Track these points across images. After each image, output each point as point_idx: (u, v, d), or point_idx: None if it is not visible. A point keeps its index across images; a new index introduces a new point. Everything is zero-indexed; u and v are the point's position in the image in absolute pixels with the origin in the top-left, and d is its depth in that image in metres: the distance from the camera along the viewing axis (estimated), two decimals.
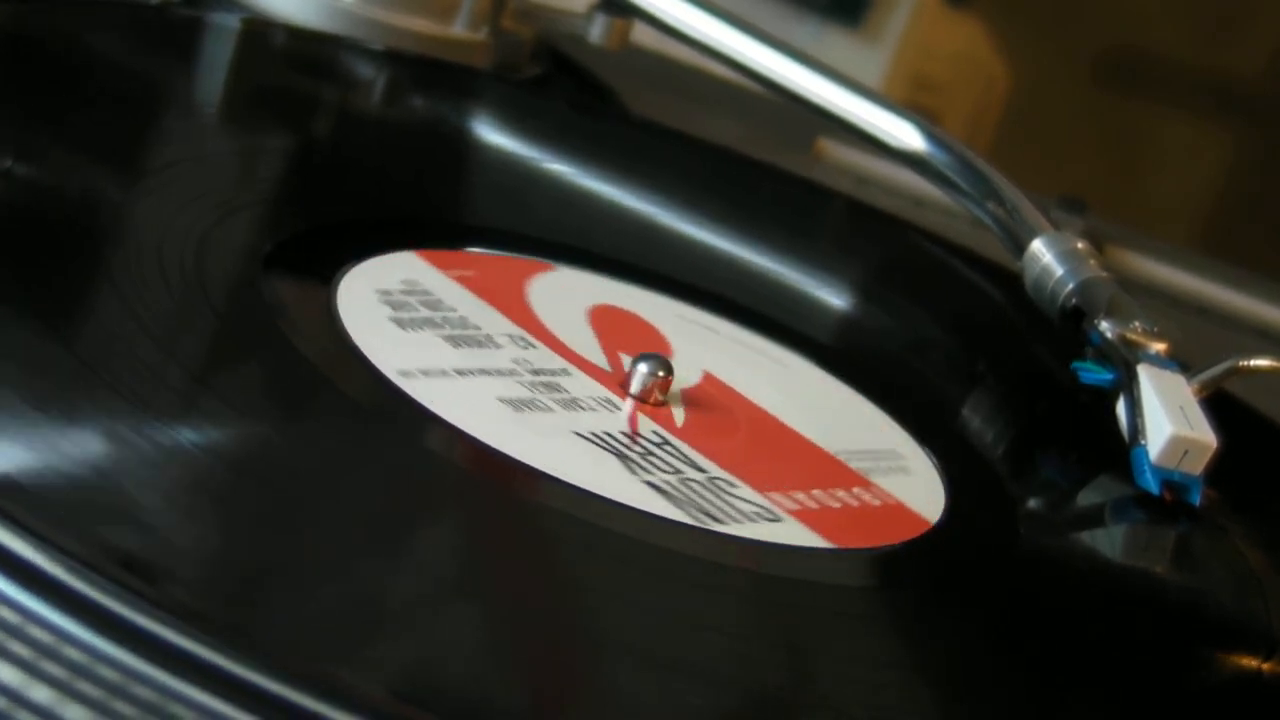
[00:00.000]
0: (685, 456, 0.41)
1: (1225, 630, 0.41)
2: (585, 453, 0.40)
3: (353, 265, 0.44)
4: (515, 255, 0.48)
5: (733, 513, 0.39)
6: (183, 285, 0.39)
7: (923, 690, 0.36)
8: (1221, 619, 0.41)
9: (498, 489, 0.38)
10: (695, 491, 0.39)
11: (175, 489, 0.33)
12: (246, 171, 0.48)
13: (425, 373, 0.40)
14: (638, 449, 0.41)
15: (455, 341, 0.43)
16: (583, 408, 0.42)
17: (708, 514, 0.39)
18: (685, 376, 0.44)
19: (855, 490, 0.42)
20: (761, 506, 0.40)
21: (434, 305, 0.44)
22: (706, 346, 0.48)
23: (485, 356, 0.43)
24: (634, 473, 0.39)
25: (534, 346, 0.44)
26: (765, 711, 0.33)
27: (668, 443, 0.41)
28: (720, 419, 0.44)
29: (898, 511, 0.42)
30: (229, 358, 0.39)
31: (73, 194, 0.41)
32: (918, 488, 0.43)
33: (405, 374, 0.40)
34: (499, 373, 0.42)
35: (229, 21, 0.54)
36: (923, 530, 0.42)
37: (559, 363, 0.44)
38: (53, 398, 0.33)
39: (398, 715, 0.29)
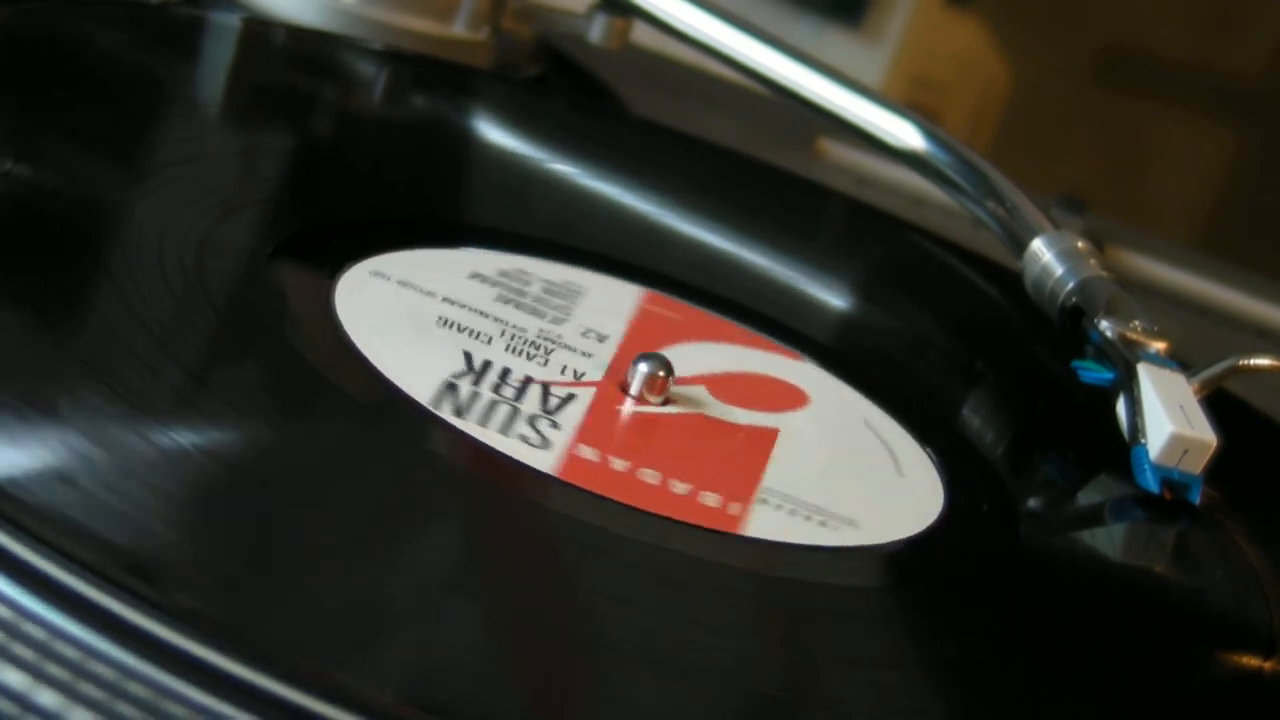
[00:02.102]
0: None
1: (1225, 629, 0.41)
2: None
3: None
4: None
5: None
6: (183, 285, 0.39)
7: (923, 689, 0.36)
8: (1222, 618, 0.41)
9: (499, 489, 0.38)
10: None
11: (177, 490, 0.33)
12: (247, 171, 0.48)
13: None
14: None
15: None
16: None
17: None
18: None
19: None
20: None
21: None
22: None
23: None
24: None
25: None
26: (765, 712, 0.33)
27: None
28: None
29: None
30: (230, 357, 0.39)
31: (73, 193, 0.41)
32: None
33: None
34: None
35: (229, 21, 0.54)
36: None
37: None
38: (53, 398, 0.33)
39: (400, 716, 0.29)
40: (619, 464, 0.40)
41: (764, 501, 0.40)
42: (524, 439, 0.39)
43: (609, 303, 0.48)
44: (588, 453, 0.40)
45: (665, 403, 0.43)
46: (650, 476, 0.40)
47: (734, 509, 0.40)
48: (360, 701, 0.29)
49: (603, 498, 0.38)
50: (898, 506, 0.42)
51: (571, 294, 0.47)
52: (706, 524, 0.39)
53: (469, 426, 0.39)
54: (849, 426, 0.46)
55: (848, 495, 0.42)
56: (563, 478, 0.38)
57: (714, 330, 0.49)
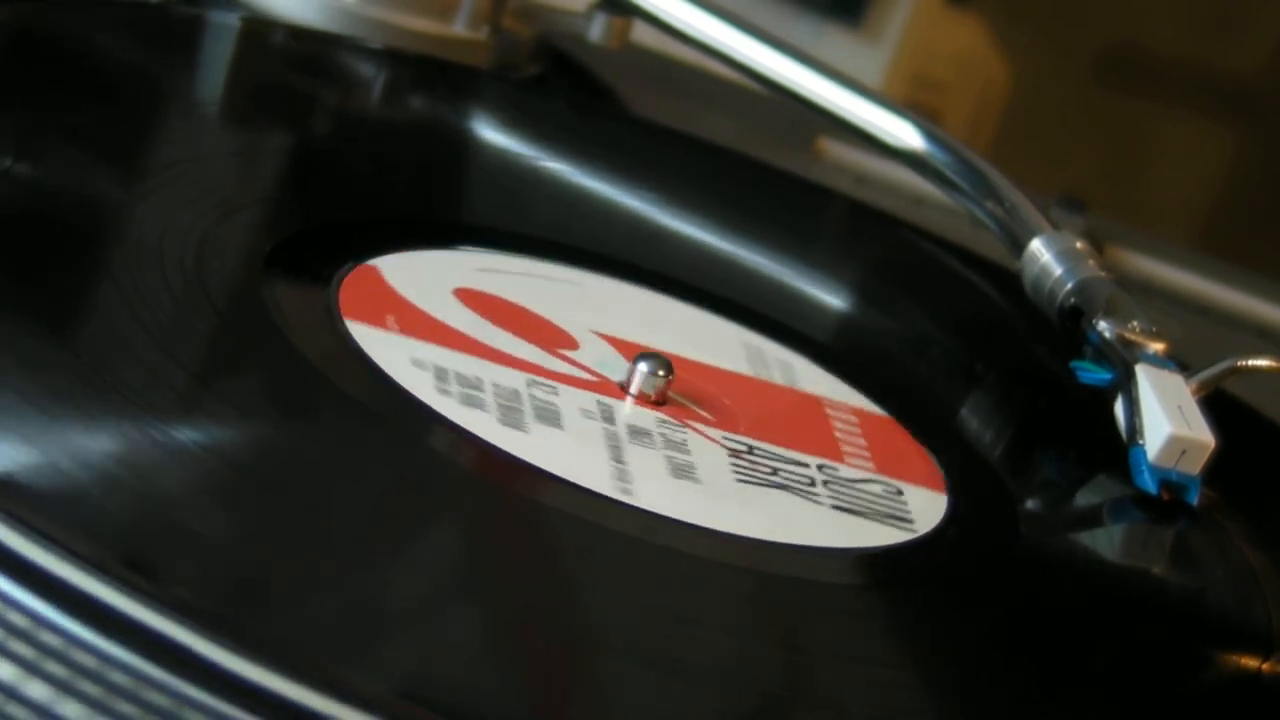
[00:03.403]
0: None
1: (1225, 630, 0.41)
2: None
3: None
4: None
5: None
6: (183, 285, 0.40)
7: (922, 690, 0.36)
8: (1221, 618, 0.41)
9: (500, 489, 0.38)
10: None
11: (178, 489, 0.33)
12: (247, 171, 0.48)
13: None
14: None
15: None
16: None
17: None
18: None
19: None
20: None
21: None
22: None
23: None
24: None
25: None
26: (765, 711, 0.33)
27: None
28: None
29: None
30: (230, 357, 0.39)
31: (73, 193, 0.41)
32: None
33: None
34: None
35: (229, 20, 0.54)
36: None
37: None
38: (54, 398, 0.33)
39: (401, 714, 0.29)
40: None
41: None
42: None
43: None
44: None
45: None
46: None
47: None
48: (361, 698, 0.29)
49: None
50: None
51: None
52: None
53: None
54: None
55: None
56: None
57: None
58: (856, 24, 0.96)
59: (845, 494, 0.42)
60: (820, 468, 0.43)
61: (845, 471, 0.43)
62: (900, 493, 0.43)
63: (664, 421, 0.42)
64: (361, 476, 0.36)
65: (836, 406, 0.46)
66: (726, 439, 0.43)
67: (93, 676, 0.29)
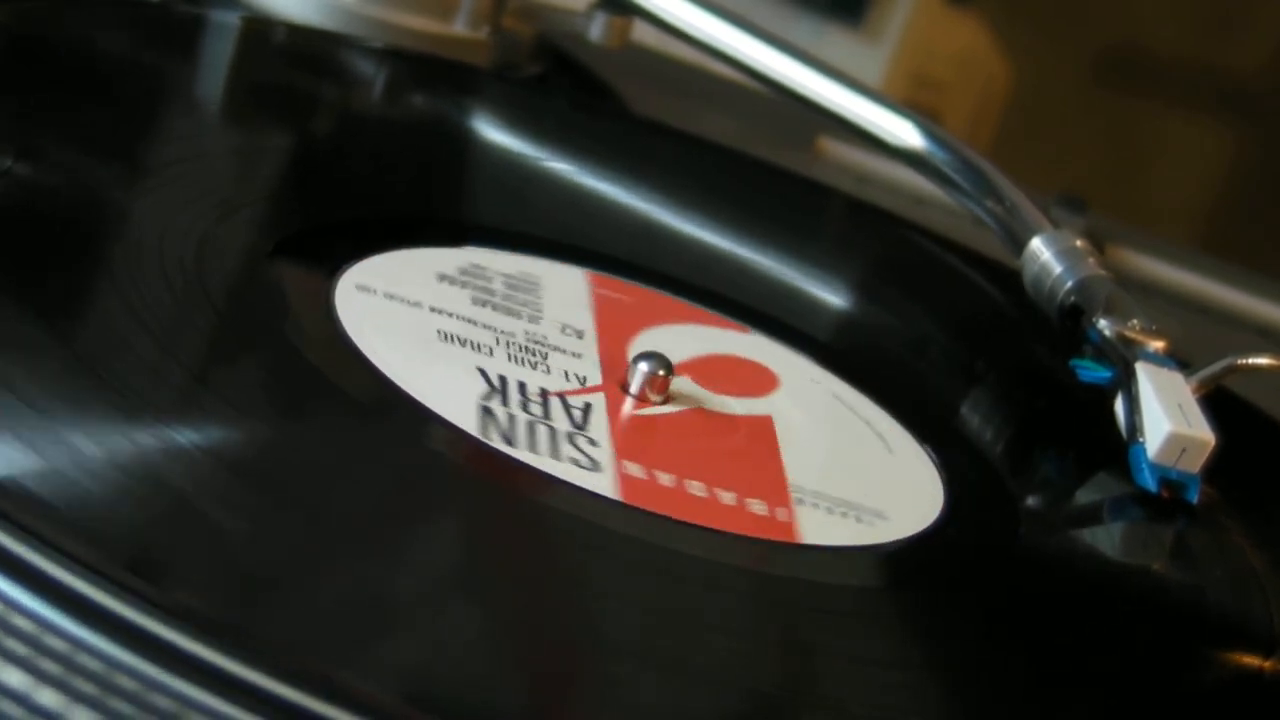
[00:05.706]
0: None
1: (1225, 628, 0.41)
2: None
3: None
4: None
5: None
6: (184, 284, 0.40)
7: (922, 689, 0.36)
8: (1221, 617, 0.41)
9: (498, 487, 0.38)
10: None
11: (178, 489, 0.33)
12: (247, 170, 0.48)
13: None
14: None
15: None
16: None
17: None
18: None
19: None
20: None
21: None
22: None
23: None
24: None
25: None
26: (765, 711, 0.33)
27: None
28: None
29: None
30: (230, 356, 0.39)
31: (74, 192, 0.41)
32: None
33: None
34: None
35: (230, 19, 0.54)
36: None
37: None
38: (54, 397, 0.33)
39: (400, 715, 0.29)
40: (665, 478, 0.40)
41: (801, 502, 0.40)
42: (575, 462, 0.39)
43: (566, 292, 0.47)
44: (634, 470, 0.40)
45: (665, 400, 0.43)
46: (697, 488, 0.40)
47: (781, 514, 0.40)
48: (360, 700, 0.29)
49: (673, 520, 0.38)
50: (904, 496, 0.42)
51: (532, 287, 0.47)
52: (769, 535, 0.39)
53: (521, 454, 0.38)
54: (824, 405, 0.46)
55: (862, 484, 0.42)
56: (629, 502, 0.38)
57: (667, 310, 0.49)
58: (856, 24, 0.96)
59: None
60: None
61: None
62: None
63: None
64: (361, 476, 0.36)
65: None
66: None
67: (93, 678, 0.29)
